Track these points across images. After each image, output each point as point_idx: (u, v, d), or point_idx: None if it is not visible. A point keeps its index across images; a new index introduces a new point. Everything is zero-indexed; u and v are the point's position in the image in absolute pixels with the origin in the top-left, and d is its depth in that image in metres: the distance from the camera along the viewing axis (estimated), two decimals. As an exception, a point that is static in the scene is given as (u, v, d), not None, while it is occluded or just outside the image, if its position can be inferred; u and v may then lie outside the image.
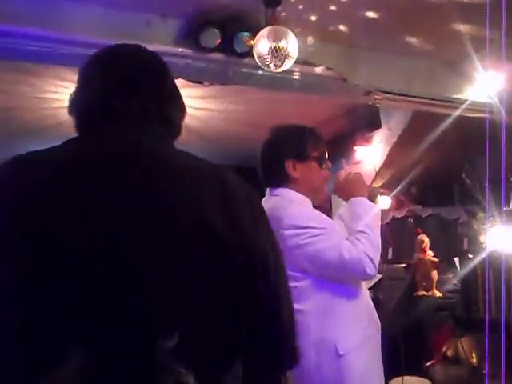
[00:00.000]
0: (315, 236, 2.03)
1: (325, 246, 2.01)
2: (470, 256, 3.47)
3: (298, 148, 2.26)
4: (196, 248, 1.04)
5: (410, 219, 6.04)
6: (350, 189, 2.26)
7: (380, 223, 2.21)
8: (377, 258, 2.04)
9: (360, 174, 2.35)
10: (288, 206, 2.14)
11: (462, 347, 3.28)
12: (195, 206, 1.07)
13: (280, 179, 2.25)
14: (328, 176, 2.29)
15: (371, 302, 2.25)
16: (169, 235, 1.04)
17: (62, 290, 0.96)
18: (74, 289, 0.97)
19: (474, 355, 3.21)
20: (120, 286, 0.98)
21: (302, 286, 2.06)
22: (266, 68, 3.34)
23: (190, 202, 1.08)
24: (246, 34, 3.42)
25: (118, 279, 0.98)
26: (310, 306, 2.08)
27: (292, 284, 2.09)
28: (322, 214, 2.15)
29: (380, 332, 2.22)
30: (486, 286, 3.14)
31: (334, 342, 2.01)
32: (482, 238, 4.28)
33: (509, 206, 3.67)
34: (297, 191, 2.20)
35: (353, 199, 2.22)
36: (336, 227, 2.12)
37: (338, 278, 2.06)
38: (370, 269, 2.00)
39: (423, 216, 6.01)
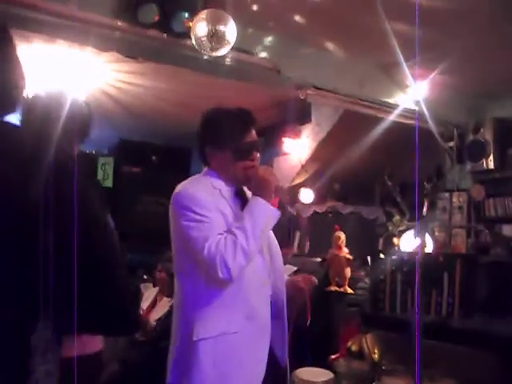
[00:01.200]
0: (193, 221, 1.98)
1: (196, 235, 1.96)
2: (382, 256, 3.58)
3: (213, 137, 2.19)
4: None
5: (330, 215, 6.15)
6: (257, 185, 2.11)
7: (270, 229, 2.13)
8: (238, 265, 1.93)
9: (272, 172, 2.18)
10: (187, 184, 2.12)
11: (366, 343, 3.38)
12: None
13: (205, 162, 2.23)
14: (250, 167, 2.16)
15: (262, 299, 2.13)
16: None
17: None
18: None
19: (376, 351, 3.33)
20: None
21: (183, 263, 2.08)
22: (202, 51, 3.31)
23: None
24: (185, 14, 3.37)
25: None
26: (181, 285, 2.10)
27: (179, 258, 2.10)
28: (217, 203, 2.06)
29: (266, 331, 2.11)
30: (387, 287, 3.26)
31: (192, 327, 1.98)
32: (395, 240, 4.43)
33: (421, 212, 3.81)
34: (218, 176, 2.17)
35: (252, 197, 2.11)
36: (220, 221, 2.03)
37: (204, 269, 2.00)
38: (223, 273, 1.91)
39: (344, 213, 6.14)
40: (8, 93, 1.22)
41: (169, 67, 4.29)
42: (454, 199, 5.22)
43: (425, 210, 3.53)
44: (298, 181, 6.40)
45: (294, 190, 6.26)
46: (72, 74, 5.08)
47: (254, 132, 2.21)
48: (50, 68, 5.02)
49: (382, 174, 5.56)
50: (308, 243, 6.02)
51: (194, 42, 3.27)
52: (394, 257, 3.43)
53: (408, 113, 4.81)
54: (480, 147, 5.13)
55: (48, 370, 1.16)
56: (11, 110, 1.23)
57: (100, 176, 6.95)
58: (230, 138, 2.16)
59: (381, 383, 3.15)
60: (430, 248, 4.07)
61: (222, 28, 3.19)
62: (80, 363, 1.72)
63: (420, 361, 2.65)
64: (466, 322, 3.03)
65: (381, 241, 5.09)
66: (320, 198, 6.28)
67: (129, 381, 3.64)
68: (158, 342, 3.55)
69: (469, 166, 5.25)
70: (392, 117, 4.76)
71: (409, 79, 4.42)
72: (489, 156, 5.09)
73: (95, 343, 2.23)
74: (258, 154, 2.20)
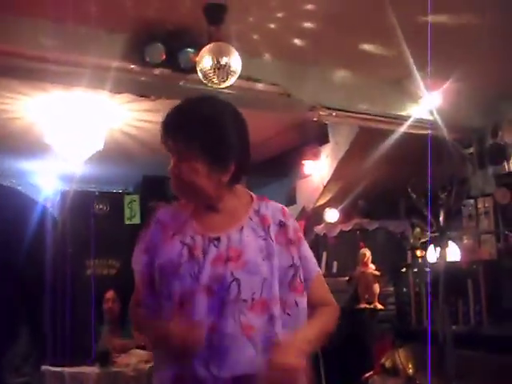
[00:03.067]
0: None
1: None
2: (403, 270, 3.57)
3: None
4: None
5: (357, 232, 6.14)
6: None
7: None
8: None
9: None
10: None
11: (399, 358, 3.36)
12: None
13: None
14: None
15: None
16: None
17: None
18: None
19: (410, 365, 3.30)
20: None
21: None
22: (209, 84, 3.39)
23: None
24: (190, 49, 3.47)
25: None
26: None
27: None
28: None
29: None
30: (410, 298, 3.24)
31: None
32: (418, 252, 4.41)
33: (438, 222, 3.79)
34: None
35: None
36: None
37: None
38: None
39: (370, 229, 6.11)
40: None
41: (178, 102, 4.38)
42: (480, 205, 5.15)
43: (441, 219, 3.52)
44: (321, 201, 6.40)
45: (319, 211, 6.27)
46: (90, 118, 5.23)
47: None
48: (69, 114, 5.17)
49: (405, 187, 5.54)
50: (335, 263, 6.00)
51: (200, 75, 3.36)
52: (415, 269, 3.42)
53: (424, 123, 4.80)
54: (500, 150, 5.08)
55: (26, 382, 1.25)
56: None
57: (127, 214, 7.07)
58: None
59: (416, 398, 3.13)
60: (456, 257, 4.03)
61: (226, 60, 3.27)
62: None
63: (453, 372, 2.63)
64: (496, 329, 3.00)
65: (409, 254, 5.06)
66: (345, 217, 6.27)
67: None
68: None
69: (491, 170, 5.20)
70: (408, 129, 4.76)
71: (421, 90, 4.43)
72: (510, 158, 5.04)
73: None
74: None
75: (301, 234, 1.83)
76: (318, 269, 1.87)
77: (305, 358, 1.58)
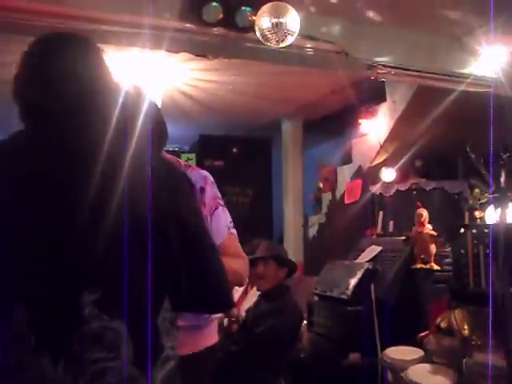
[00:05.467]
0: None
1: None
2: (460, 231, 3.53)
3: None
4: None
5: (414, 192, 6.07)
6: None
7: None
8: None
9: None
10: None
11: (455, 319, 3.35)
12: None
13: None
14: None
15: None
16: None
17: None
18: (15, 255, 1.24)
19: (465, 327, 3.29)
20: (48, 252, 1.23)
21: None
22: (267, 43, 3.38)
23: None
24: (247, 9, 3.44)
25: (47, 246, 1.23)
26: None
27: None
28: None
29: None
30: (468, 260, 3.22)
31: None
32: (476, 213, 4.34)
33: (499, 183, 3.71)
34: None
35: None
36: None
37: None
38: None
39: (427, 189, 6.04)
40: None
41: (238, 61, 4.40)
42: (542, 166, 5.03)
43: (502, 180, 3.45)
44: (378, 161, 6.35)
45: (376, 170, 6.23)
46: (149, 77, 5.29)
47: None
48: (127, 74, 5.24)
49: (464, 147, 5.42)
50: (392, 222, 5.97)
51: (258, 35, 3.35)
52: (473, 230, 3.38)
53: (486, 81, 4.67)
54: None
55: (172, 346, 1.33)
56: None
57: (184, 172, 7.17)
58: None
59: (472, 359, 3.13)
60: (517, 219, 3.95)
61: (284, 20, 3.25)
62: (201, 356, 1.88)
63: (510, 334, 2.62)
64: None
65: (467, 214, 4.99)
66: (402, 176, 6.21)
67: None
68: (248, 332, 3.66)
69: (555, 130, 5.04)
70: (469, 87, 4.64)
71: (483, 46, 4.30)
72: None
73: (214, 335, 2.27)
74: None
75: (218, 201, 2.17)
76: (232, 229, 2.18)
77: None
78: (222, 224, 2.13)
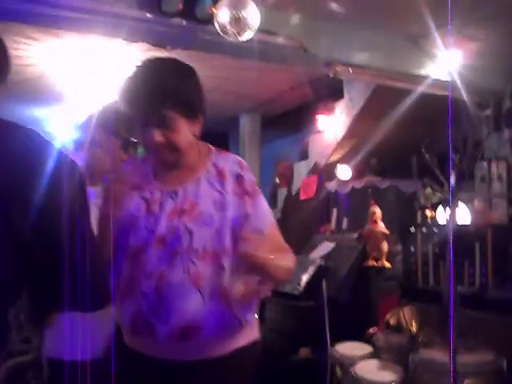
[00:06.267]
0: None
1: None
2: (412, 229, 3.59)
3: None
4: None
5: (368, 190, 6.13)
6: None
7: None
8: None
9: None
10: None
11: (404, 316, 3.41)
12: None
13: None
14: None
15: None
16: None
17: None
18: None
19: (413, 323, 3.35)
20: None
21: None
22: (226, 37, 3.36)
23: None
24: (207, 1, 3.42)
25: None
26: None
27: None
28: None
29: None
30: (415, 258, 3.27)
31: None
32: (427, 213, 4.41)
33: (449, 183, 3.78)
34: None
35: None
36: None
37: None
38: None
39: (382, 188, 6.11)
40: None
41: (197, 54, 4.35)
42: (493, 168, 5.13)
43: (452, 181, 3.51)
44: (334, 158, 6.39)
45: (332, 167, 6.27)
46: (105, 65, 5.21)
47: None
48: (85, 61, 5.16)
49: (419, 147, 5.50)
50: (346, 219, 6.03)
51: (217, 28, 3.33)
52: (423, 230, 3.44)
53: (441, 83, 4.74)
54: (517, 114, 5.03)
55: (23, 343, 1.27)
56: None
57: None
58: None
59: (418, 355, 3.18)
60: (467, 219, 4.04)
61: (244, 13, 3.23)
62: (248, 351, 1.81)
63: (456, 331, 2.67)
64: (500, 292, 3.03)
65: (419, 213, 5.06)
66: (358, 174, 6.27)
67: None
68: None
69: (507, 133, 5.16)
70: (425, 88, 4.71)
71: (440, 49, 4.37)
72: (527, 122, 4.99)
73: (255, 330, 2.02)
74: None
75: (257, 187, 1.91)
76: (273, 220, 1.96)
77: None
78: (267, 214, 1.91)
